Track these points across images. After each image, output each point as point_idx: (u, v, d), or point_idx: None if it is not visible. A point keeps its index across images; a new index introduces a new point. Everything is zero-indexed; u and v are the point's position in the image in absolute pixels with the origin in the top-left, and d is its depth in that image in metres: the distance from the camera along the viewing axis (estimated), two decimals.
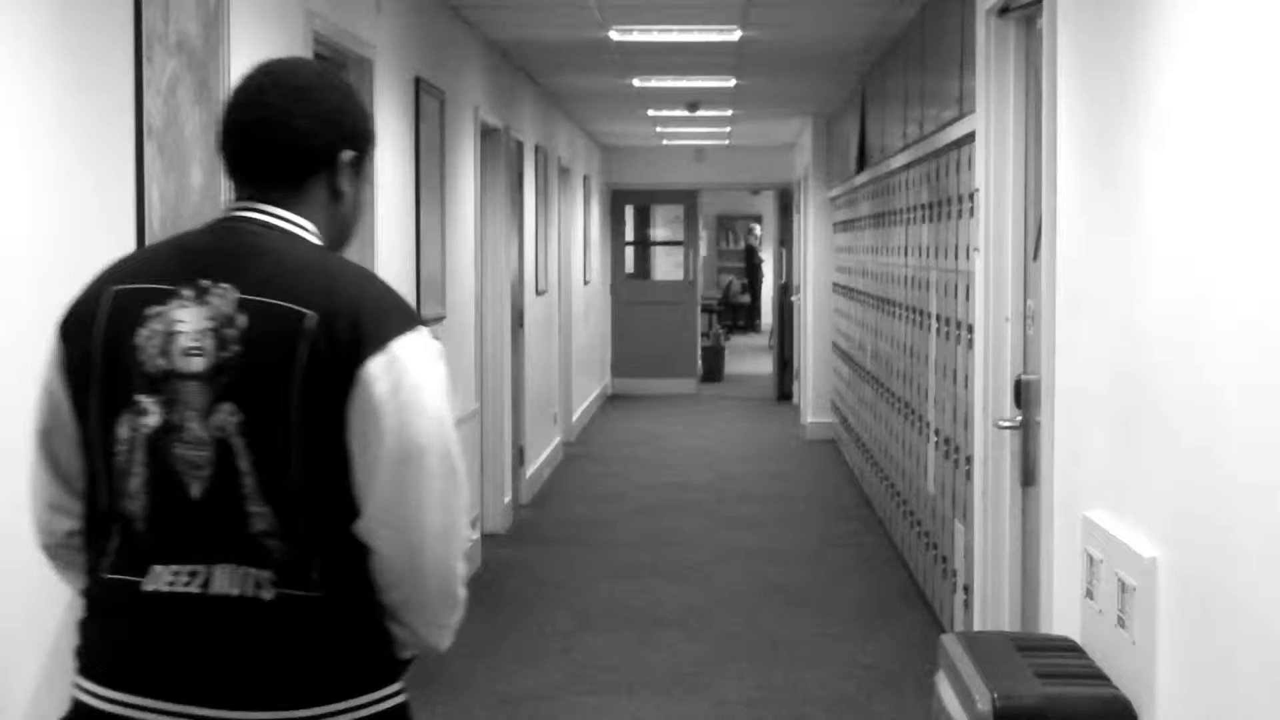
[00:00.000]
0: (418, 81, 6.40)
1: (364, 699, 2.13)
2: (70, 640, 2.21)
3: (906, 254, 7.68)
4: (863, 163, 9.99)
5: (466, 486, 2.16)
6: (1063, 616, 3.71)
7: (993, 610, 4.99)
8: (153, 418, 2.10)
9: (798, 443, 12.90)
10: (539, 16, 7.80)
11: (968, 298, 5.56)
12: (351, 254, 5.52)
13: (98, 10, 3.27)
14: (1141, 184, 3.14)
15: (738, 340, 24.09)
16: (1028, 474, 4.62)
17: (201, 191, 3.80)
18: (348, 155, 2.24)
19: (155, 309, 2.12)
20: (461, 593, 2.19)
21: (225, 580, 2.09)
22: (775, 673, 5.93)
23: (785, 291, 16.11)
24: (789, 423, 14.15)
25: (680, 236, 17.94)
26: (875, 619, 6.75)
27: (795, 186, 15.57)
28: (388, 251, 5.80)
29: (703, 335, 17.97)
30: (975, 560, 5.19)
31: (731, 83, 10.49)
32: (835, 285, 12.41)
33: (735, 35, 8.28)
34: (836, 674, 5.90)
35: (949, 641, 3.46)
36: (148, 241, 3.42)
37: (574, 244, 12.98)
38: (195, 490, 2.09)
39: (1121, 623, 3.13)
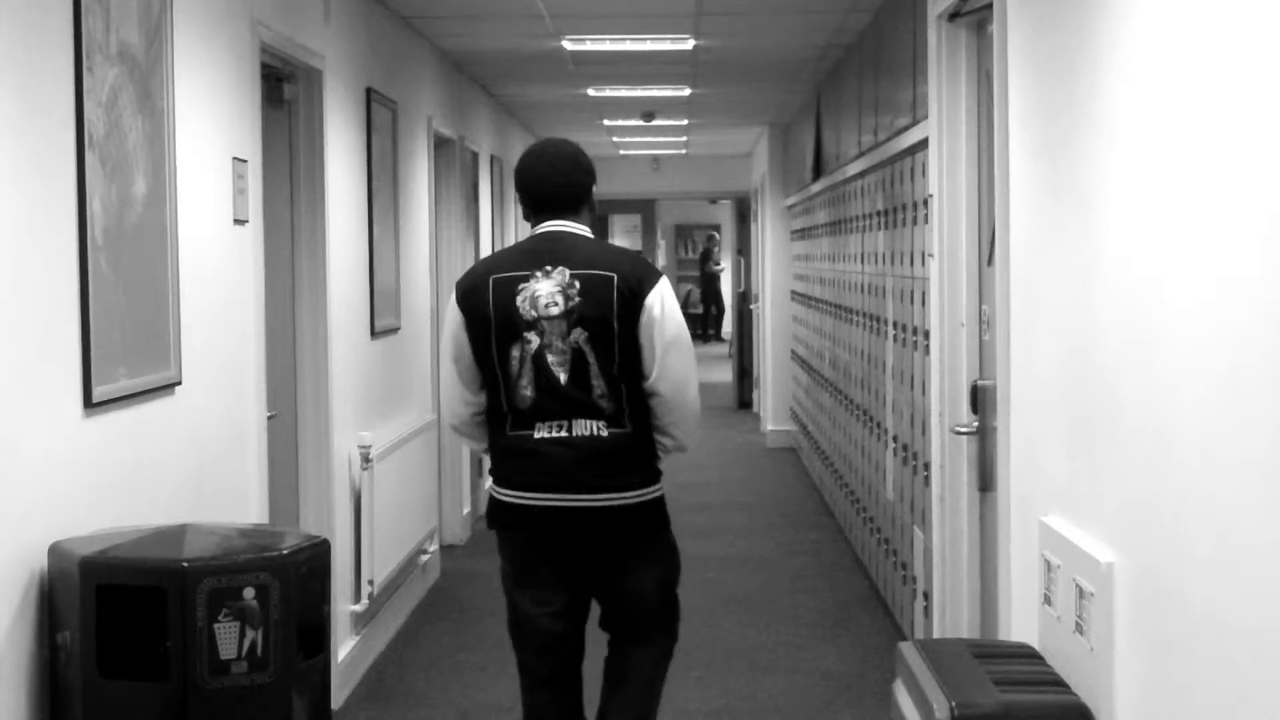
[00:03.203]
0: (369, 92, 6.35)
1: (651, 489, 4.00)
2: (491, 470, 4.02)
3: (863, 261, 7.67)
4: (818, 171, 9.99)
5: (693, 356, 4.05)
6: (1021, 622, 3.69)
7: (952, 617, 4.97)
8: (533, 344, 3.89)
9: (758, 450, 12.89)
10: (491, 27, 7.76)
11: (924, 304, 5.55)
12: (302, 265, 5.47)
13: (35, 19, 3.22)
14: (1093, 187, 3.13)
15: (698, 349, 24.05)
16: (985, 479, 4.61)
17: (145, 201, 3.74)
18: (594, 189, 4.10)
19: (522, 285, 3.91)
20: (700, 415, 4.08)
21: (580, 428, 3.89)
22: (736, 681, 5.90)
23: (744, 300, 16.11)
24: (749, 430, 14.14)
25: (638, 245, 17.92)
26: (836, 627, 6.73)
27: (752, 195, 15.58)
28: (340, 263, 5.74)
29: None
30: (934, 567, 5.18)
31: (686, 92, 10.48)
32: (793, 293, 12.41)
33: (689, 44, 8.26)
34: (798, 682, 5.88)
35: (907, 650, 3.44)
36: (90, 251, 3.40)
37: None
38: (562, 378, 3.88)
39: (1079, 629, 3.11)
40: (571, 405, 3.88)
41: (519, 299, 3.90)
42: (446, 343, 4.02)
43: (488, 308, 3.93)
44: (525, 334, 3.88)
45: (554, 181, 4.02)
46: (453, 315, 4.00)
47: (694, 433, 4.07)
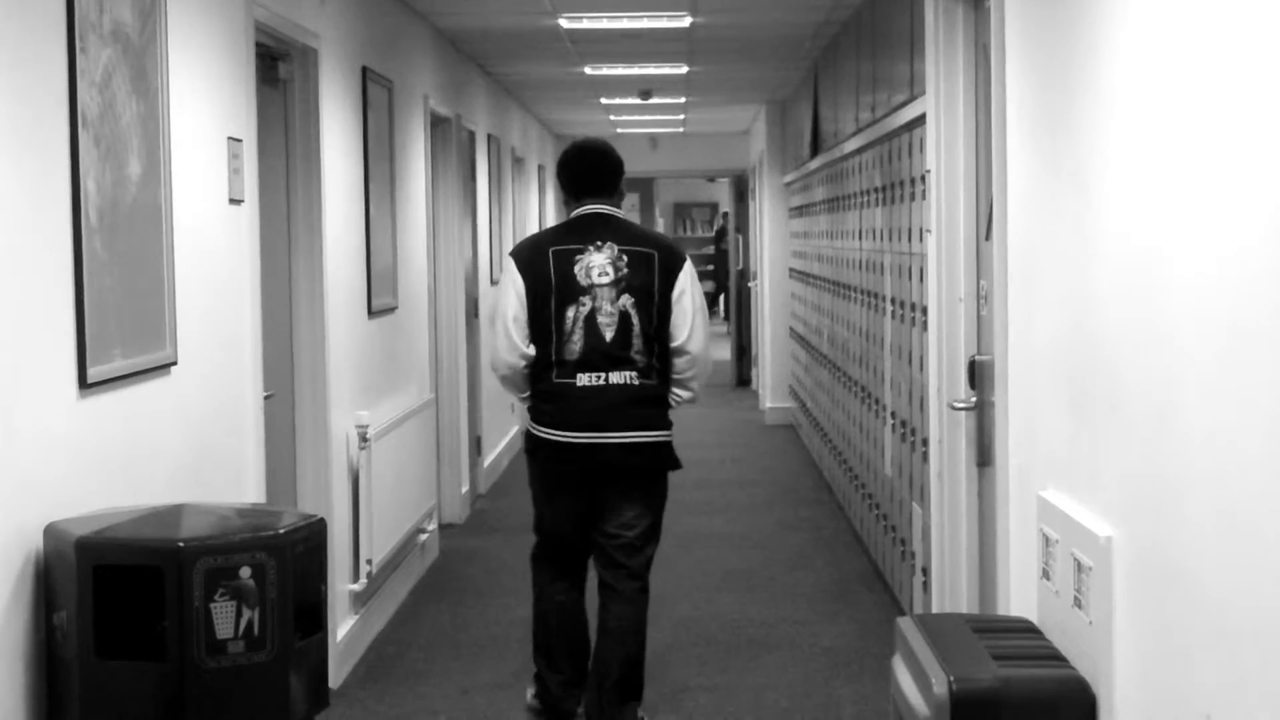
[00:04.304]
0: (365, 71, 6.33)
1: (667, 430, 4.84)
2: (529, 415, 4.88)
3: (860, 238, 7.66)
4: (816, 148, 9.97)
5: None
6: (1020, 597, 3.69)
7: (950, 592, 4.97)
8: (586, 306, 4.73)
9: (757, 428, 12.89)
10: (487, 4, 7.73)
11: (921, 279, 5.54)
12: (299, 244, 5.46)
13: None
14: (1091, 162, 3.12)
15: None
16: (983, 455, 4.60)
17: (139, 181, 3.73)
18: (623, 179, 5.02)
19: (578, 256, 4.79)
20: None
21: (615, 377, 4.71)
22: (735, 658, 5.91)
23: (743, 278, 16.08)
24: (748, 408, 14.14)
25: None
26: (835, 603, 6.74)
27: (750, 173, 15.55)
28: (336, 242, 5.73)
29: None
30: (933, 542, 5.18)
31: (684, 70, 10.45)
32: (791, 270, 12.39)
33: (686, 21, 8.24)
34: (796, 658, 5.88)
35: (905, 625, 3.43)
36: (84, 232, 3.39)
37: (529, 233, 12.91)
38: (609, 336, 4.72)
39: (1078, 603, 3.11)
40: (612, 359, 4.71)
41: (576, 268, 4.76)
42: (509, 304, 4.81)
43: (549, 275, 4.77)
44: (581, 297, 4.73)
45: (593, 170, 4.97)
46: (515, 281, 4.82)
47: (703, 383, 4.97)
